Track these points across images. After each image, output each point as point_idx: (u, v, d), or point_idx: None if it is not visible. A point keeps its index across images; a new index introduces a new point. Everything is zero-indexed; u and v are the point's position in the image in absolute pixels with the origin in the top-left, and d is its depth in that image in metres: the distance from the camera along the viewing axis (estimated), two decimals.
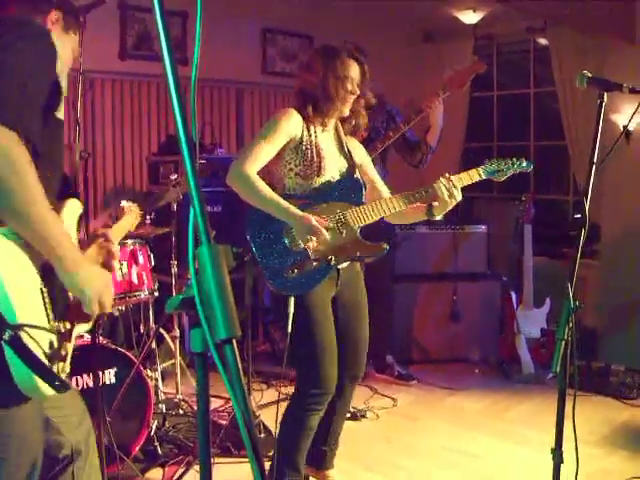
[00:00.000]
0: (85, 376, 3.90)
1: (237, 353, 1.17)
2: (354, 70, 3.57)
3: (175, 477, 4.09)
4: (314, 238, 3.38)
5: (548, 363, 5.84)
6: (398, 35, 7.91)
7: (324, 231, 3.37)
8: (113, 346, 4.14)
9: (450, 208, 3.64)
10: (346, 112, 3.63)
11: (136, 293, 4.47)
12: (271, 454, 4.49)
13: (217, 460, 4.27)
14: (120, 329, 4.93)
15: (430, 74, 7.69)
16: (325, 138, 3.65)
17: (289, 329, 3.42)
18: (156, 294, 4.61)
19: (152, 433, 4.36)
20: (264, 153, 3.44)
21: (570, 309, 2.68)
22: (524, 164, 3.81)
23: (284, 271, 3.45)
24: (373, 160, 4.59)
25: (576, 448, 2.76)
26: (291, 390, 5.57)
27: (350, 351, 3.76)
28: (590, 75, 2.92)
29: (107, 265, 2.46)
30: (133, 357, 4.15)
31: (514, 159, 3.77)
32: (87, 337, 3.98)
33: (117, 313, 4.65)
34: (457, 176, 3.62)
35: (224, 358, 1.15)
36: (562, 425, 2.75)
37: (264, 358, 6.43)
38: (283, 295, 3.48)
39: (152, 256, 4.61)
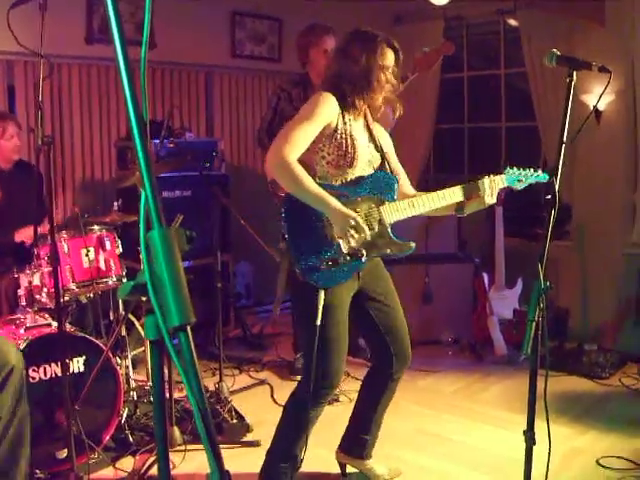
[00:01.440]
0: (53, 365, 3.86)
1: (191, 340, 1.13)
2: (392, 59, 3.52)
3: (146, 465, 4.05)
4: (355, 235, 3.29)
5: (521, 344, 5.88)
6: (368, 17, 7.85)
7: (367, 229, 3.32)
8: (81, 334, 4.10)
9: (481, 209, 3.69)
10: (380, 101, 3.57)
11: (104, 280, 4.42)
12: (244, 440, 4.50)
13: (189, 447, 4.24)
14: (89, 317, 4.87)
15: (402, 55, 7.66)
16: (357, 127, 3.56)
17: (318, 322, 3.31)
18: (124, 280, 4.56)
19: (123, 421, 4.33)
20: (304, 138, 3.33)
21: (540, 290, 2.67)
22: (542, 175, 3.77)
23: (320, 263, 3.34)
24: None
25: (548, 429, 2.75)
26: (262, 375, 5.61)
27: (396, 340, 3.78)
28: (559, 53, 2.91)
29: None
30: (102, 345, 4.11)
31: (532, 169, 3.76)
32: (55, 325, 3.96)
33: (85, 300, 4.59)
34: (495, 179, 3.64)
35: (178, 345, 1.12)
36: (534, 406, 2.74)
37: (236, 343, 6.41)
38: (308, 286, 3.36)
39: (120, 242, 4.56)
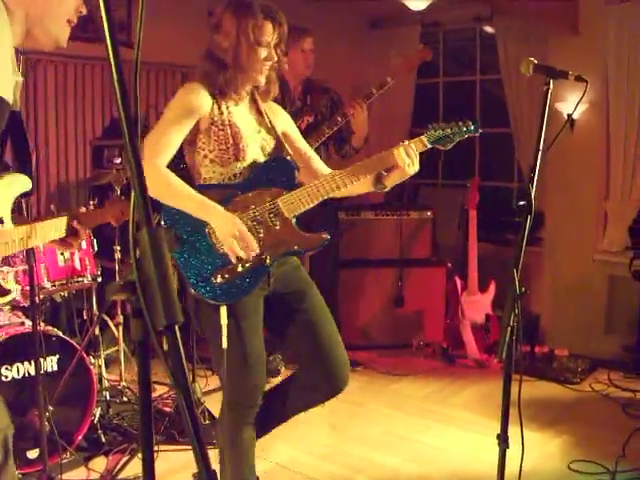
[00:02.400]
0: (26, 364, 3.84)
1: (179, 340, 1.14)
2: (269, 32, 3.06)
3: (119, 465, 4.05)
4: (241, 245, 2.93)
5: (492, 348, 5.95)
6: (345, 21, 7.88)
7: (251, 238, 2.95)
8: (55, 333, 4.08)
9: (404, 179, 3.23)
10: (262, 81, 3.14)
11: (79, 279, 4.41)
12: (215, 441, 4.49)
13: (162, 447, 4.24)
14: (62, 316, 4.86)
15: (377, 60, 7.70)
16: (241, 113, 3.17)
17: (224, 343, 2.94)
18: (99, 280, 4.55)
19: (96, 421, 4.31)
20: (171, 140, 2.97)
21: (516, 295, 2.69)
22: (472, 127, 3.25)
23: (214, 276, 2.99)
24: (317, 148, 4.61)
25: (522, 433, 2.78)
26: None
27: (323, 360, 3.22)
28: (536, 62, 2.93)
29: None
30: (75, 344, 4.09)
31: (460, 122, 3.25)
32: (28, 324, 3.94)
33: (59, 299, 4.58)
34: (412, 143, 3.16)
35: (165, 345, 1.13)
36: (508, 411, 2.76)
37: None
38: (207, 304, 3.02)
39: (95, 241, 4.55)
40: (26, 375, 3.84)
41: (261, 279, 3.08)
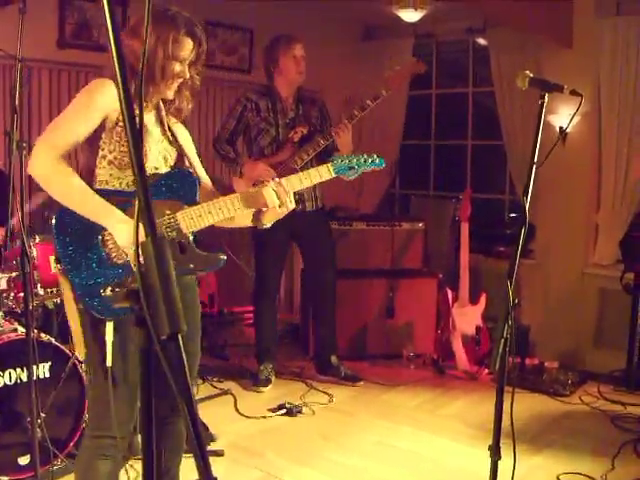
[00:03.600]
0: (19, 370, 3.83)
1: (182, 348, 1.15)
2: (188, 49, 2.89)
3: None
4: None
5: (483, 360, 5.96)
6: (338, 32, 7.91)
7: None
8: (48, 340, 4.07)
9: (280, 217, 3.03)
10: (170, 95, 2.95)
11: None
12: (207, 450, 4.47)
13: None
14: (54, 322, 4.84)
15: (370, 71, 7.72)
16: (146, 120, 2.96)
17: (108, 362, 2.63)
18: None
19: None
20: (74, 134, 2.72)
21: (509, 307, 2.70)
22: (377, 161, 3.21)
23: (100, 289, 2.71)
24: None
25: (514, 444, 2.79)
26: (226, 385, 5.60)
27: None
28: (532, 75, 2.95)
29: None
30: (68, 351, 4.09)
31: (365, 155, 3.19)
32: (21, 331, 3.93)
33: (51, 306, 4.57)
34: (290, 179, 3.00)
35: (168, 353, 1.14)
36: (500, 422, 2.77)
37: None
38: (92, 317, 2.75)
39: None
40: (18, 382, 3.83)
41: None
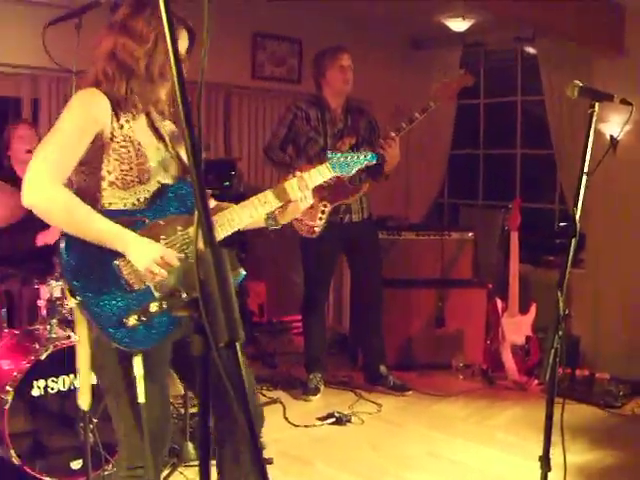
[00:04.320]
0: (72, 376, 3.90)
1: (240, 356, 1.17)
2: (186, 44, 2.71)
3: (160, 479, 4.07)
4: (162, 271, 2.48)
5: (532, 371, 5.92)
6: (386, 42, 7.93)
7: (175, 260, 2.53)
8: None
9: (297, 216, 3.00)
10: (163, 97, 2.73)
11: None
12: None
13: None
14: None
15: (419, 81, 7.73)
16: (139, 128, 2.70)
17: (141, 399, 2.52)
18: None
19: None
20: (73, 153, 2.50)
21: (560, 317, 2.69)
22: (369, 156, 3.14)
23: (123, 318, 2.49)
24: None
25: (564, 456, 2.78)
26: (275, 394, 5.63)
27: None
28: (581, 85, 2.94)
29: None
30: None
31: (359, 152, 3.16)
32: (74, 337, 4.00)
33: None
34: (308, 174, 2.94)
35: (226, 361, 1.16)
36: (550, 433, 2.77)
37: (249, 361, 6.42)
38: (115, 351, 2.54)
39: None
40: (72, 388, 3.89)
41: (177, 318, 2.50)
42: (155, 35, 2.57)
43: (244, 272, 2.67)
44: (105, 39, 2.64)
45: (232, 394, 1.17)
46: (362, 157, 3.14)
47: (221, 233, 2.68)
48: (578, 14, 5.73)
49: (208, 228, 1.18)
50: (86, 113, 2.52)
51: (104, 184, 2.57)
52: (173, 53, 1.21)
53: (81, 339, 2.63)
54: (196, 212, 1.16)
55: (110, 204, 2.58)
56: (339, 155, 3.08)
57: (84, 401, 2.86)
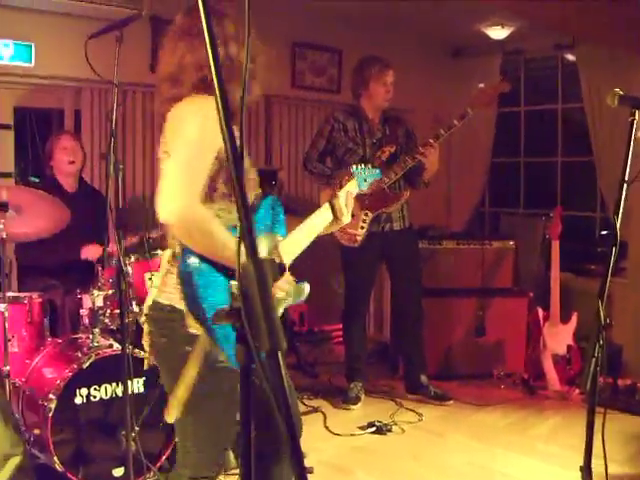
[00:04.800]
0: (114, 385, 3.95)
1: (282, 365, 1.18)
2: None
3: None
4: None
5: (574, 380, 5.87)
6: (426, 50, 7.94)
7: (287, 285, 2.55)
8: (142, 355, 4.17)
9: (335, 230, 2.99)
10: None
11: None
12: None
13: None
14: None
15: (458, 89, 7.72)
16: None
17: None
18: None
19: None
20: (207, 166, 2.37)
21: (600, 326, 2.68)
22: (376, 172, 3.16)
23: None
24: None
25: (605, 466, 2.76)
26: (315, 403, 5.64)
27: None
28: (622, 93, 2.93)
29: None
30: None
31: (369, 167, 3.13)
32: (116, 347, 4.05)
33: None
34: (347, 186, 2.95)
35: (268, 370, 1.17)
36: (591, 443, 2.74)
37: (289, 370, 6.43)
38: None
39: None
40: (113, 396, 3.94)
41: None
42: (237, 40, 2.55)
43: (308, 288, 2.67)
44: (192, 47, 2.54)
45: (274, 402, 1.18)
46: (372, 173, 3.13)
47: (298, 251, 2.70)
48: (617, 20, 5.69)
49: (250, 239, 1.19)
50: (211, 124, 2.16)
51: (215, 195, 2.47)
52: (213, 58, 1.23)
53: (192, 362, 2.42)
54: (238, 223, 1.18)
55: (219, 217, 2.43)
56: (360, 168, 3.08)
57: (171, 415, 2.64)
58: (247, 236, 1.18)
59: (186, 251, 2.31)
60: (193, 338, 2.37)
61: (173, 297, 2.45)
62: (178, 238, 2.35)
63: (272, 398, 1.17)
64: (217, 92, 1.26)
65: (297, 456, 1.15)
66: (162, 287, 2.54)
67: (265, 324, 1.16)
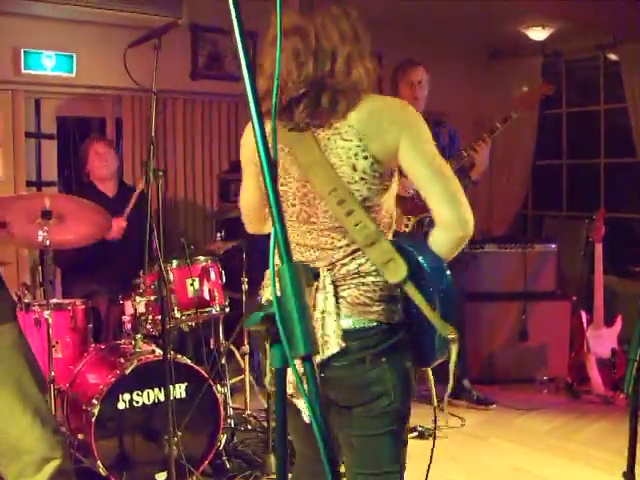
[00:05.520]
0: (156, 390, 3.97)
1: (316, 369, 1.18)
2: None
3: None
4: None
5: (618, 384, 5.80)
6: (465, 53, 7.90)
7: None
8: (184, 361, 4.20)
9: None
10: None
11: (207, 309, 4.52)
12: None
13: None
14: (189, 345, 4.99)
15: (497, 92, 7.68)
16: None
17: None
18: (227, 310, 4.66)
19: (221, 448, 4.38)
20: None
21: None
22: None
23: None
24: None
25: None
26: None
27: None
28: None
29: None
30: (203, 372, 4.20)
31: None
32: (158, 352, 4.08)
33: (186, 329, 4.70)
34: None
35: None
36: (635, 447, 2.72)
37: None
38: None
39: (223, 273, 4.66)
40: (156, 401, 3.97)
41: None
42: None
43: None
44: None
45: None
46: None
47: None
48: None
49: (284, 243, 1.19)
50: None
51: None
52: (245, 61, 1.23)
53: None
54: (272, 227, 1.19)
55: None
56: None
57: None
58: (280, 240, 1.19)
59: None
60: None
61: None
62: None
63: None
64: (250, 96, 1.26)
65: (333, 463, 1.15)
66: None
67: (299, 328, 1.16)
